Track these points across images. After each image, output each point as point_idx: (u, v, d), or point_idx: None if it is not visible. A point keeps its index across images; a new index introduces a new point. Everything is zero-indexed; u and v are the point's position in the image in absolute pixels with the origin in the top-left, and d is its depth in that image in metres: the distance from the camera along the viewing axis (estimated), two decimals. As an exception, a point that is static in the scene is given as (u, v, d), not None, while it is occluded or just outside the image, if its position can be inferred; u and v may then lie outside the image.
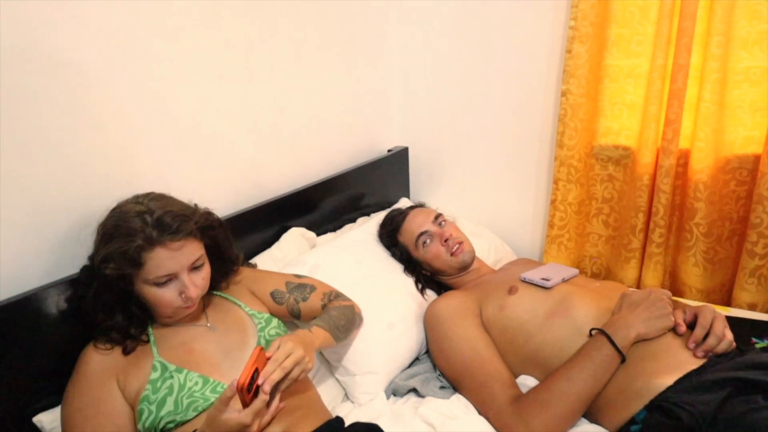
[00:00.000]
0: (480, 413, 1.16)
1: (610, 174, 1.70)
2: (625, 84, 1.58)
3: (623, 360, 1.07)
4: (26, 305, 0.95)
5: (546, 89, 1.74)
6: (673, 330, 1.11)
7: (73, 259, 1.01)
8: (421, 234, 1.46)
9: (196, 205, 1.03)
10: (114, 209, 0.96)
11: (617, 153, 1.66)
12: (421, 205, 1.62)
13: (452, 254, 1.43)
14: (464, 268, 1.46)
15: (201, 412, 0.93)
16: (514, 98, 1.80)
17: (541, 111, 1.77)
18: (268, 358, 0.89)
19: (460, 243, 1.44)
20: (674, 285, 1.70)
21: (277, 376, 0.88)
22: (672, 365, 1.04)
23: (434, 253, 1.45)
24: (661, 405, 0.98)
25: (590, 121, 1.66)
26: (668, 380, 1.01)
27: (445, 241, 1.44)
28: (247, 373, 0.83)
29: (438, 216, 1.50)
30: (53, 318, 0.99)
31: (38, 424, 0.96)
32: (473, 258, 1.47)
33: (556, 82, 1.71)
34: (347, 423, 1.05)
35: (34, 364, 0.97)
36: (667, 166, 1.52)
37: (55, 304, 0.99)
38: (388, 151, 1.98)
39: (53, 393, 0.97)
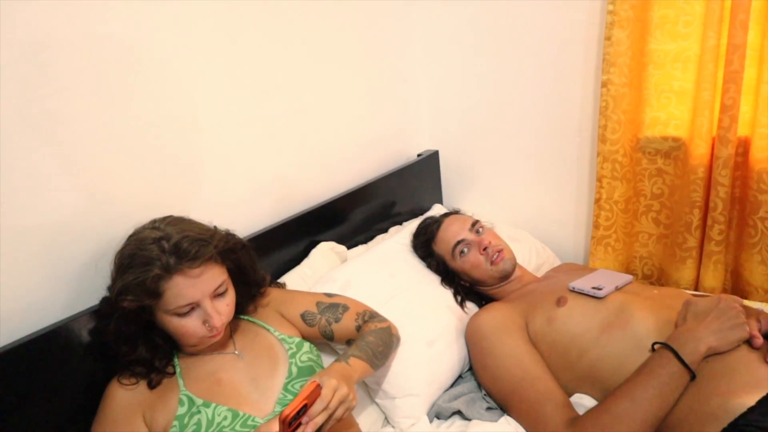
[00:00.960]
0: (532, 437, 1.07)
1: (659, 168, 1.58)
2: (673, 69, 1.46)
3: (693, 377, 0.96)
4: (51, 339, 0.92)
5: (584, 81, 1.63)
6: (748, 342, 0.99)
7: (94, 290, 0.97)
8: (458, 243, 1.37)
9: (215, 227, 0.97)
10: (131, 236, 0.91)
11: (666, 145, 1.54)
12: (455, 212, 1.54)
13: (492, 263, 1.34)
14: (505, 277, 1.37)
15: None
16: (550, 92, 1.70)
17: (580, 104, 1.66)
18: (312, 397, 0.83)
19: (500, 251, 1.35)
20: (737, 285, 1.56)
21: (321, 419, 0.82)
22: (750, 383, 0.93)
23: (473, 263, 1.36)
24: (744, 430, 0.86)
25: (635, 112, 1.54)
26: (749, 400, 0.90)
27: (484, 249, 1.35)
28: (295, 406, 0.79)
29: (475, 223, 1.41)
30: (78, 352, 0.96)
31: (66, 464, 0.93)
32: (514, 266, 1.38)
33: (595, 72, 1.60)
34: (389, 453, 0.97)
35: (61, 401, 0.93)
36: (725, 157, 1.39)
37: (79, 337, 0.96)
38: (418, 155, 1.90)
39: (81, 431, 0.93)
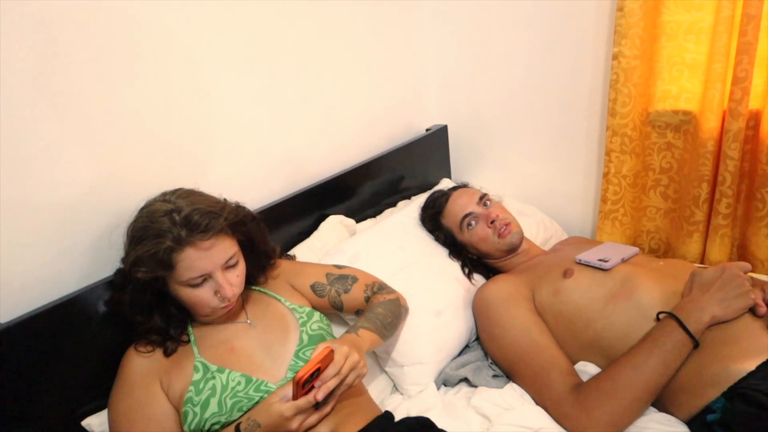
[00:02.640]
0: (537, 403, 1.09)
1: (668, 142, 1.57)
2: (685, 41, 1.43)
3: (696, 346, 0.97)
4: (69, 309, 0.95)
5: (594, 53, 1.61)
6: (752, 311, 1.01)
7: (108, 263, 1.00)
8: (466, 216, 1.38)
9: (225, 199, 0.99)
10: (142, 209, 0.93)
11: (676, 119, 1.53)
12: (463, 186, 1.54)
13: (499, 236, 1.35)
14: (512, 250, 1.38)
15: (246, 412, 0.90)
16: (560, 65, 1.68)
17: (590, 77, 1.65)
18: (326, 362, 0.86)
19: (508, 224, 1.36)
20: (744, 259, 1.56)
21: (333, 383, 0.85)
22: (752, 349, 0.95)
23: (480, 236, 1.37)
24: (743, 393, 0.88)
25: (645, 85, 1.53)
26: (749, 365, 0.92)
27: (492, 222, 1.36)
28: (309, 369, 0.82)
29: (482, 196, 1.42)
30: (96, 321, 0.99)
31: (87, 428, 0.96)
32: (521, 239, 1.39)
33: (606, 44, 1.58)
34: (397, 417, 1.00)
35: (81, 368, 0.97)
36: (735, 130, 1.38)
37: (96, 307, 0.98)
38: (426, 130, 1.90)
39: (100, 396, 0.97)
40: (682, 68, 1.47)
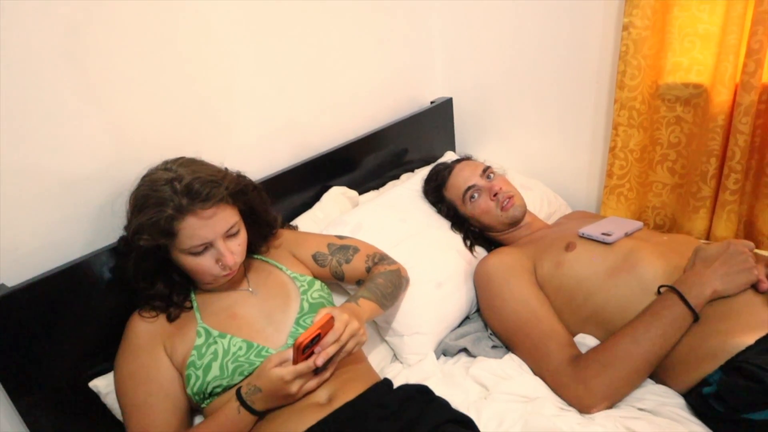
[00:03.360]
0: (535, 373, 1.11)
1: (677, 116, 1.54)
2: (699, 12, 1.39)
3: (696, 319, 0.97)
4: (73, 274, 0.97)
5: (604, 24, 1.57)
6: (754, 287, 1.00)
7: (112, 230, 1.01)
8: (469, 188, 1.38)
9: (226, 168, 0.99)
10: (144, 177, 0.93)
11: (687, 92, 1.50)
12: (467, 158, 1.53)
13: (502, 209, 1.35)
14: (515, 223, 1.37)
15: (247, 377, 0.92)
16: (568, 36, 1.64)
17: (599, 49, 1.61)
18: (326, 328, 0.87)
19: (511, 197, 1.35)
20: (750, 236, 1.55)
21: (333, 350, 0.86)
22: (752, 324, 0.95)
23: (483, 209, 1.37)
24: (740, 366, 0.89)
25: (656, 57, 1.49)
26: (748, 340, 0.92)
27: (494, 195, 1.35)
28: (309, 334, 0.83)
29: (486, 169, 1.41)
30: (100, 287, 1.00)
31: (94, 389, 0.99)
32: (524, 212, 1.38)
33: (617, 14, 1.54)
34: (396, 385, 1.02)
35: (87, 331, 0.99)
36: (747, 104, 1.35)
37: (101, 273, 1.00)
38: (431, 102, 1.88)
39: (107, 359, 0.99)
40: (694, 39, 1.43)
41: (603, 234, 1.20)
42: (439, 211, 1.46)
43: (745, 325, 0.94)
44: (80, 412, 0.99)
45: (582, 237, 1.23)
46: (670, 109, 1.54)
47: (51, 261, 0.96)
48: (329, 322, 0.86)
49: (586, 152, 1.76)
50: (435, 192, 1.46)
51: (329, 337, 0.86)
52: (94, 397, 0.99)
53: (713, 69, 1.42)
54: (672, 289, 1.00)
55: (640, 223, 1.26)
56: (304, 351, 0.83)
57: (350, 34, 1.53)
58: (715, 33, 1.39)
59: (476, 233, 1.43)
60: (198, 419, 1.00)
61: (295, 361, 0.84)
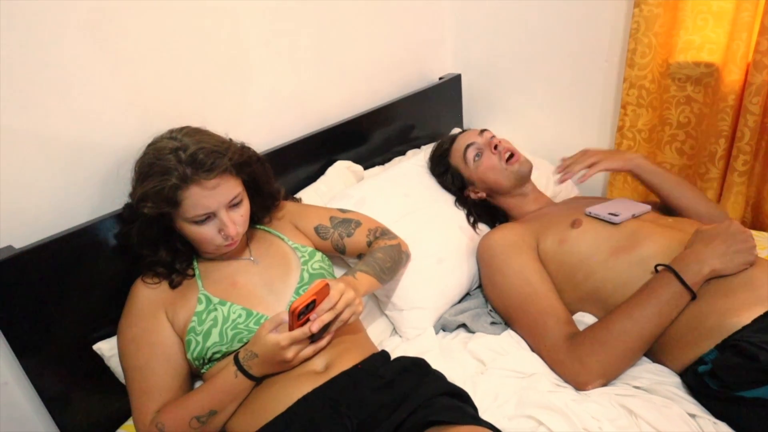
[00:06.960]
0: (533, 350, 1.12)
1: (688, 95, 1.52)
2: (713, -12, 1.37)
3: (693, 298, 0.97)
4: (79, 238, 0.98)
5: (616, 1, 1.55)
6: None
7: (117, 197, 1.02)
8: (468, 146, 1.37)
9: (231, 139, 0.99)
10: (149, 145, 0.94)
11: (698, 71, 1.47)
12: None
13: (507, 162, 1.34)
14: (522, 181, 1.36)
15: (246, 343, 0.94)
16: (579, 13, 1.62)
17: (610, 27, 1.59)
18: (321, 295, 0.88)
19: (513, 153, 1.35)
20: (757, 218, 1.54)
21: (328, 317, 0.87)
22: (749, 302, 0.94)
23: (487, 165, 1.35)
24: (735, 344, 0.89)
25: (667, 35, 1.47)
26: (745, 318, 0.92)
27: (495, 148, 1.34)
28: (304, 300, 0.83)
29: (484, 130, 1.41)
30: (106, 252, 1.02)
31: (98, 352, 1.01)
32: (530, 170, 1.36)
33: (629, -10, 1.51)
34: (393, 357, 1.03)
35: (91, 295, 1.01)
36: (758, 83, 1.33)
37: (106, 239, 1.01)
38: (440, 78, 1.86)
39: (111, 323, 1.01)
40: (707, 17, 1.40)
41: (610, 213, 1.19)
42: (444, 183, 1.44)
43: (743, 304, 0.94)
44: (84, 374, 1.01)
45: (589, 215, 1.23)
46: (680, 88, 1.52)
47: (57, 225, 0.98)
48: (324, 289, 0.87)
49: (593, 131, 1.75)
50: (440, 161, 1.45)
51: (324, 305, 0.87)
52: (98, 359, 1.01)
53: (725, 48, 1.39)
54: (668, 267, 1.00)
55: (648, 206, 1.25)
56: (299, 317, 0.84)
57: (361, 8, 1.51)
58: (729, 10, 1.36)
59: (480, 209, 1.42)
60: (198, 384, 1.02)
61: (291, 327, 0.85)
